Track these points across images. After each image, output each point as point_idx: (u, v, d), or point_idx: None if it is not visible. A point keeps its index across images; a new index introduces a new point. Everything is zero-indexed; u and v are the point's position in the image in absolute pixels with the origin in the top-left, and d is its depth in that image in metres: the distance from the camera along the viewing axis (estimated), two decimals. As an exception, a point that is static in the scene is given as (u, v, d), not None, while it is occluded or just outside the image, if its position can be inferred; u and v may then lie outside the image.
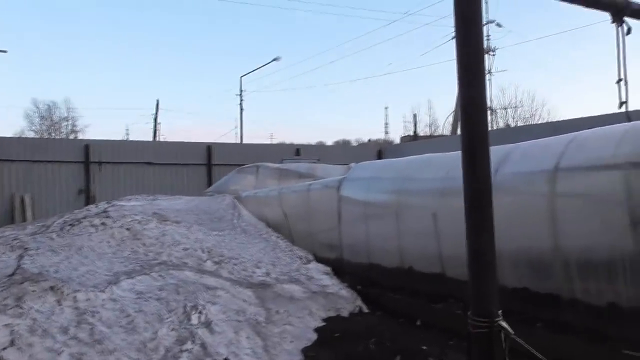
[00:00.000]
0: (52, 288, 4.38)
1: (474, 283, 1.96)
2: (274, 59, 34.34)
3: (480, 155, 1.84)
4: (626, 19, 2.15)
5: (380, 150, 23.22)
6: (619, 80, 2.15)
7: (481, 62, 1.80)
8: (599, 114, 13.27)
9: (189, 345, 4.31)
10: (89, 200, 16.06)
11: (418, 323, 6.25)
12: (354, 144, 52.10)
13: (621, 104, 2.15)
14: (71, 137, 46.96)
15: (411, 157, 8.42)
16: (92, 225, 6.89)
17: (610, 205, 4.53)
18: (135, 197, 9.99)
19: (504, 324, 1.91)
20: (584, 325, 4.77)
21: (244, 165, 15.00)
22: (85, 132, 51.96)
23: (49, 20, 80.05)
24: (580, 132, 5.35)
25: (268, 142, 45.82)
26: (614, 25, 2.13)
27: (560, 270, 4.96)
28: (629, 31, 2.17)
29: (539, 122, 28.91)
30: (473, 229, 1.91)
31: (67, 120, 53.85)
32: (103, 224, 7.00)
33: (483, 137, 1.82)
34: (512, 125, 30.59)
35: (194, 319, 4.94)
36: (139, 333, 4.23)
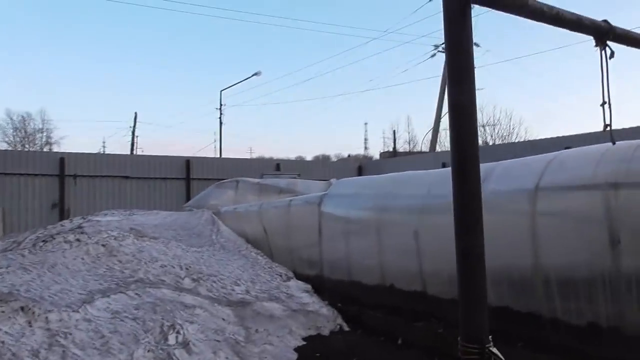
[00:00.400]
0: (22, 308, 4.21)
1: (464, 308, 1.93)
2: (255, 74, 34.37)
3: (471, 176, 1.83)
4: (609, 43, 2.18)
5: (361, 165, 23.30)
6: (603, 103, 2.17)
7: (471, 75, 1.80)
8: (575, 133, 13.59)
9: (165, 367, 4.18)
10: (63, 214, 15.69)
11: (399, 342, 6.20)
12: (334, 159, 52.26)
13: (605, 126, 2.18)
14: (46, 149, 46.07)
15: (393, 174, 8.44)
16: (66, 242, 6.70)
17: (590, 225, 4.58)
18: (111, 212, 9.78)
19: (494, 350, 1.88)
20: (564, 345, 4.80)
21: (224, 179, 14.86)
22: (60, 145, 51.12)
23: (24, 29, 78.94)
24: (561, 151, 5.45)
25: (247, 156, 45.70)
26: (597, 49, 2.16)
27: (541, 289, 4.99)
28: (612, 55, 2.20)
29: (517, 141, 29.45)
30: (463, 253, 1.89)
31: (42, 132, 52.96)
32: (78, 240, 6.81)
33: (474, 157, 1.81)
34: (491, 142, 31.09)
35: (172, 339, 4.81)
36: (114, 355, 4.09)
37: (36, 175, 16.19)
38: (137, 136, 44.70)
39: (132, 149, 43.29)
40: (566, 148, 6.09)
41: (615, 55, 2.17)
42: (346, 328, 6.79)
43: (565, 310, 4.84)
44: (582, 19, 2.13)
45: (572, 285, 4.75)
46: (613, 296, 4.45)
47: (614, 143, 2.46)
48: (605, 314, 4.53)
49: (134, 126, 44.28)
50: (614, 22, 2.21)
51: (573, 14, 2.11)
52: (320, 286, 7.78)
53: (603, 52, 2.15)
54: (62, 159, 16.61)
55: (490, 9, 1.98)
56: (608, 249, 4.43)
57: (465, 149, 1.94)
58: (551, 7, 2.04)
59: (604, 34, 2.16)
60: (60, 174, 16.45)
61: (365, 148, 63.40)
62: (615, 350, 4.42)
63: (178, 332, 4.96)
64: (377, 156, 48.02)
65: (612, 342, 4.47)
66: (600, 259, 4.49)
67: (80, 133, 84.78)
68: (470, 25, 1.80)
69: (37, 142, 52.15)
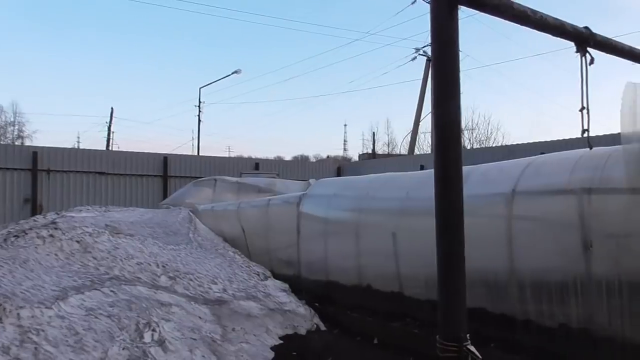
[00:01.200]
0: (-7, 304, 4.11)
1: (443, 307, 1.96)
2: (234, 72, 34.19)
3: (454, 179, 1.86)
4: (590, 49, 2.24)
5: (340, 167, 23.35)
6: (582, 109, 2.23)
7: (457, 84, 1.83)
8: (550, 139, 13.89)
9: (141, 365, 4.13)
10: (35, 210, 15.31)
11: (375, 341, 6.25)
12: (313, 160, 52.32)
13: (583, 131, 2.23)
14: (17, 143, 44.97)
15: (372, 175, 8.50)
16: (39, 237, 6.55)
17: (564, 229, 4.69)
18: (86, 208, 9.60)
19: (472, 348, 1.92)
20: (536, 346, 4.90)
21: (202, 178, 14.73)
22: (33, 139, 49.94)
23: (-2, 20, 76.91)
24: (537, 157, 5.56)
25: (225, 154, 45.42)
26: (577, 55, 2.22)
27: (515, 291, 5.08)
28: (591, 61, 2.26)
29: (495, 145, 29.93)
30: (444, 253, 1.92)
31: (14, 126, 51.68)
32: (51, 235, 6.66)
33: (457, 162, 1.84)
34: (469, 147, 31.53)
35: (147, 336, 4.75)
36: (88, 352, 4.02)
37: (7, 169, 15.75)
38: (113, 132, 43.93)
39: (107, 145, 42.56)
40: (541, 153, 6.22)
41: (595, 62, 2.23)
42: (323, 328, 6.81)
43: (537, 313, 4.95)
44: (565, 24, 2.18)
45: (545, 288, 4.86)
46: (584, 299, 4.57)
47: (590, 148, 2.53)
48: (576, 316, 4.65)
49: (110, 121, 43.53)
50: (595, 30, 2.27)
51: (556, 19, 2.16)
52: (298, 286, 7.79)
53: (583, 58, 2.21)
54: (35, 153, 16.20)
55: (472, 15, 2.03)
56: (580, 254, 4.55)
57: (449, 152, 1.97)
58: (535, 12, 2.08)
59: (584, 40, 2.21)
60: (33, 169, 16.03)
61: (345, 149, 63.65)
62: (584, 352, 4.54)
63: (154, 330, 4.90)
64: (356, 158, 48.33)
65: (581, 343, 4.59)
66: (573, 263, 4.61)
67: (53, 127, 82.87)
68: (457, 25, 1.84)
69: (8, 135, 50.92)
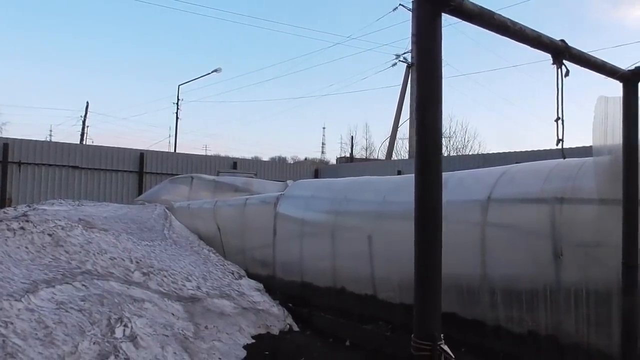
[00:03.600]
0: (-40, 295, 4.02)
1: (419, 306, 2.00)
2: (215, 70, 33.95)
3: (432, 181, 1.91)
4: (565, 62, 2.32)
5: (317, 169, 23.40)
6: (557, 119, 2.31)
7: (439, 90, 1.88)
8: (525, 149, 14.20)
9: (111, 361, 4.09)
10: (4, 203, 14.93)
11: (347, 343, 6.29)
12: (290, 161, 52.16)
13: (558, 141, 2.31)
14: (-13, 134, 43.77)
15: (350, 178, 8.55)
16: (10, 229, 6.40)
17: (536, 238, 4.79)
18: (59, 202, 9.43)
19: (445, 347, 1.96)
20: (505, 351, 5.00)
21: (178, 175, 14.59)
22: (3, 131, 48.66)
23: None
24: (512, 165, 5.67)
25: (202, 153, 44.96)
26: (554, 66, 2.30)
27: (487, 297, 5.17)
28: (567, 73, 2.34)
29: (471, 153, 30.36)
30: (421, 252, 1.96)
31: (-17, 117, 50.34)
32: (22, 228, 6.52)
33: (436, 165, 1.89)
34: (446, 154, 31.98)
35: (119, 332, 4.70)
36: (58, 346, 3.95)
37: (-24, 161, 15.36)
38: (87, 126, 43.12)
39: (81, 139, 41.74)
40: (516, 163, 6.35)
41: (570, 74, 2.32)
42: (296, 328, 6.83)
43: (507, 319, 5.05)
44: (542, 36, 2.26)
45: (515, 295, 4.95)
46: (553, 306, 4.67)
47: (564, 157, 2.62)
48: (545, 323, 4.75)
49: (85, 115, 42.71)
50: (572, 44, 2.36)
51: (534, 31, 2.23)
52: (272, 286, 7.79)
53: (559, 70, 2.29)
54: (6, 145, 15.78)
55: (452, 24, 2.07)
56: (551, 262, 4.65)
57: (430, 156, 2.02)
58: (515, 23, 2.15)
59: (560, 52, 2.29)
60: (4, 161, 15.63)
61: (322, 152, 63.71)
62: (552, 358, 4.65)
63: (125, 326, 4.85)
64: (333, 161, 48.40)
65: (549, 349, 4.70)
66: (543, 270, 4.71)
67: (25, 120, 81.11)
68: (440, 33, 1.89)
69: (-24, 127, 49.52)
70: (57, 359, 3.76)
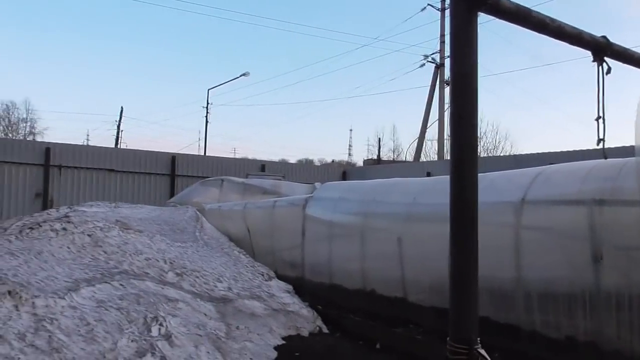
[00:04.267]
0: (9, 292, 4.19)
1: (455, 309, 2.00)
2: (243, 74, 34.33)
3: (468, 183, 1.91)
4: (606, 59, 2.28)
5: (345, 171, 23.38)
6: (598, 118, 2.27)
7: (475, 81, 1.89)
8: (559, 150, 13.88)
9: (148, 358, 4.20)
10: (47, 204, 15.42)
11: (377, 346, 6.27)
12: (317, 163, 52.31)
13: (599, 141, 2.27)
14: (29, 139, 45.27)
15: (378, 180, 8.53)
16: (53, 230, 6.64)
17: (573, 240, 4.66)
18: (97, 204, 9.71)
19: (482, 351, 1.96)
20: (541, 357, 4.89)
21: (208, 177, 14.80)
22: (43, 135, 50.40)
23: (11, 18, 77.58)
24: (547, 166, 5.55)
25: (231, 156, 45.45)
26: (594, 64, 2.26)
27: (522, 301, 5.07)
28: (608, 71, 2.29)
29: (502, 154, 29.82)
30: (457, 254, 1.97)
31: (26, 122, 52.14)
32: (64, 229, 6.76)
33: (472, 166, 1.90)
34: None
35: (154, 330, 4.82)
36: (99, 343, 4.09)
37: (21, 164, 15.89)
38: (122, 130, 44.15)
39: (116, 143, 42.77)
40: (550, 164, 6.22)
41: (612, 71, 2.27)
42: (325, 330, 6.85)
43: (543, 323, 4.93)
44: (582, 33, 2.22)
45: (552, 299, 4.82)
46: (592, 312, 4.54)
47: (606, 157, 2.56)
48: (584, 329, 4.62)
49: (120, 120, 43.75)
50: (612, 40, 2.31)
51: (574, 28, 2.20)
52: (301, 288, 7.83)
53: (600, 67, 2.25)
54: (48, 149, 16.35)
55: (482, 22, 2.05)
56: (590, 265, 4.53)
57: (464, 152, 2.02)
58: (553, 20, 2.13)
59: (601, 49, 2.25)
60: (45, 164, 16.17)
61: (349, 154, 63.59)
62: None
63: (161, 325, 4.97)
64: (360, 163, 48.21)
65: (588, 356, 4.57)
66: (582, 274, 4.57)
67: (64, 125, 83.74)
68: (476, 31, 1.89)
69: (20, 131, 51.37)
70: (98, 355, 3.89)
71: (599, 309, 4.47)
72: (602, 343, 4.47)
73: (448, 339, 2.11)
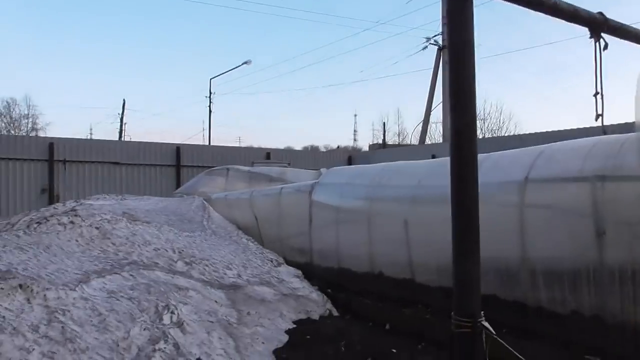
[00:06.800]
0: (20, 286, 4.26)
1: (458, 283, 2.04)
2: (245, 62, 34.33)
3: (469, 162, 1.93)
4: (604, 35, 2.28)
5: (350, 156, 23.38)
6: (596, 94, 2.27)
7: (472, 63, 1.89)
8: (563, 128, 13.81)
9: (161, 345, 4.27)
10: (52, 199, 15.58)
11: (387, 327, 6.34)
12: (323, 150, 52.26)
13: (597, 116, 2.28)
14: (32, 135, 45.49)
15: (384, 164, 8.55)
16: (60, 224, 6.72)
17: (577, 217, 4.70)
18: (103, 197, 9.80)
19: (486, 324, 2.00)
20: (547, 332, 4.96)
21: (214, 167, 14.88)
22: (46, 130, 50.59)
23: (6, 11, 77.43)
24: (550, 144, 5.55)
25: (236, 145, 45.54)
26: (591, 40, 2.26)
27: (527, 279, 5.12)
28: (605, 47, 2.30)
29: (507, 135, 29.67)
30: (459, 231, 2.00)
31: (28, 118, 52.33)
32: (72, 222, 6.84)
33: (471, 143, 1.91)
34: (480, 136, 31.39)
35: (166, 319, 4.89)
36: (111, 332, 4.17)
37: (25, 160, 16.03)
38: (125, 123, 44.30)
39: (120, 136, 42.94)
40: (553, 142, 6.21)
41: (609, 47, 2.27)
42: (335, 313, 6.92)
43: (549, 299, 4.99)
44: (578, 10, 2.22)
45: (557, 275, 4.88)
46: (596, 286, 4.59)
47: (605, 133, 2.57)
48: (588, 303, 4.68)
49: (122, 113, 43.88)
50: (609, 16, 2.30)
51: (570, 4, 2.20)
52: (310, 273, 7.90)
53: (597, 43, 2.25)
54: (52, 144, 16.46)
55: (484, 2, 2.05)
56: (593, 241, 4.57)
57: (465, 132, 2.04)
58: (549, -3, 2.12)
59: (598, 25, 2.25)
60: (50, 159, 16.30)
61: (355, 140, 63.45)
62: (595, 338, 4.59)
63: (172, 313, 5.04)
64: (366, 148, 48.13)
65: (593, 329, 4.63)
66: (585, 250, 4.62)
67: (66, 119, 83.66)
68: (472, 11, 1.89)
69: (22, 128, 51.56)
70: (112, 344, 3.97)
71: (603, 283, 4.52)
72: (606, 316, 4.53)
73: (452, 313, 2.15)
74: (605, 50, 2.27)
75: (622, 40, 2.42)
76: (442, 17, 24.12)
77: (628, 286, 4.37)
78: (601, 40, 2.26)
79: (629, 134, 4.46)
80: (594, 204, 4.57)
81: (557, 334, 4.87)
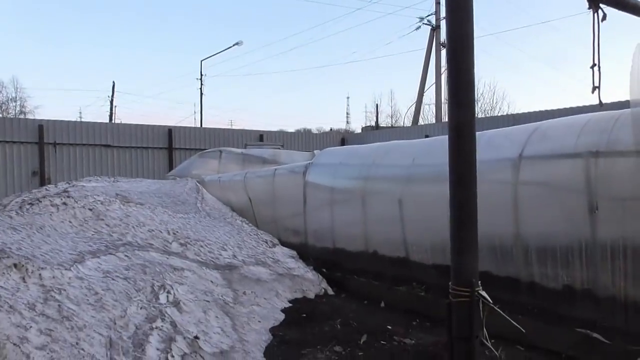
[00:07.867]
0: (15, 265, 4.24)
1: (456, 255, 2.06)
2: (236, 44, 33.88)
3: (466, 135, 1.93)
4: (602, 5, 2.27)
5: (344, 138, 23.34)
6: (593, 66, 2.27)
7: (471, 45, 1.88)
8: (557, 107, 13.83)
9: (159, 323, 4.29)
10: (43, 182, 15.45)
11: (382, 305, 6.41)
12: (315, 132, 52.08)
13: (594, 88, 2.28)
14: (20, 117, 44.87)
15: (377, 143, 8.55)
16: (53, 205, 6.68)
17: (570, 193, 4.74)
18: (95, 179, 9.73)
19: (483, 293, 2.02)
20: (540, 306, 5.03)
21: (206, 149, 14.79)
22: (35, 114, 49.78)
23: (-3, -7, 75.73)
24: (543, 122, 5.57)
25: (228, 127, 45.21)
26: (590, 11, 2.24)
27: (520, 255, 5.18)
28: (604, 18, 2.29)
29: (500, 114, 29.68)
30: (458, 202, 2.00)
31: (15, 101, 51.47)
32: (64, 203, 6.79)
33: (469, 120, 1.91)
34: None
35: (162, 298, 4.91)
36: (108, 310, 4.17)
37: (14, 142, 15.83)
38: (115, 106, 43.77)
39: (110, 119, 42.46)
40: (547, 121, 6.24)
41: (607, 18, 2.26)
42: (331, 292, 6.98)
43: (542, 275, 5.06)
44: (577, -20, 2.21)
45: (550, 251, 4.94)
46: (588, 261, 4.66)
47: (601, 104, 2.57)
48: (580, 278, 4.75)
49: (112, 95, 43.34)
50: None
51: (570, -26, 2.18)
52: (305, 253, 7.94)
53: (595, 14, 2.24)
54: (41, 127, 16.25)
55: None
56: (586, 217, 4.62)
57: (462, 110, 2.03)
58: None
59: (597, -4, 2.24)
60: (40, 142, 16.12)
61: (347, 122, 63.18)
62: (587, 311, 4.67)
63: (168, 292, 5.06)
64: (359, 130, 47.95)
65: (585, 302, 4.71)
66: (578, 226, 4.68)
67: (55, 102, 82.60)
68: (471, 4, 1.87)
69: (10, 111, 50.77)
70: (109, 322, 3.98)
71: (595, 258, 4.59)
72: (598, 290, 4.61)
73: (450, 283, 2.17)
74: (604, 21, 2.26)
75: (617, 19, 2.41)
76: (436, -4, 23.93)
77: (619, 261, 4.44)
78: (599, 10, 2.25)
79: (624, 110, 4.48)
80: (587, 179, 4.60)
81: (549, 308, 4.95)
